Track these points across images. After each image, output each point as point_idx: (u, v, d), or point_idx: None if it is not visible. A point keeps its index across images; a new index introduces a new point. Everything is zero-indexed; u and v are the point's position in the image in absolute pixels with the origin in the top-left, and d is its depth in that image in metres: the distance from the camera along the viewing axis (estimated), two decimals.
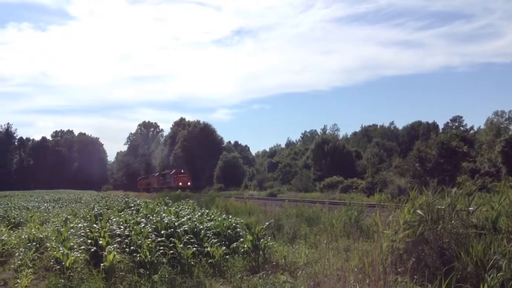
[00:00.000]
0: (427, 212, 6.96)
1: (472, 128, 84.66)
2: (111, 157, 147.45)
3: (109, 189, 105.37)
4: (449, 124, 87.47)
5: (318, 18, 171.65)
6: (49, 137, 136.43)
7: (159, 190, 59.93)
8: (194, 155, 77.84)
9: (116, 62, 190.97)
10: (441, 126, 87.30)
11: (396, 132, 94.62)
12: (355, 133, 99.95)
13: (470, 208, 6.91)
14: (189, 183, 64.48)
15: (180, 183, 62.87)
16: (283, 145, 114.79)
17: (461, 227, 6.66)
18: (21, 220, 18.09)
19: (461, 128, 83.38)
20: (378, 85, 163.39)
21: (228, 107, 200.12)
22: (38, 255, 10.38)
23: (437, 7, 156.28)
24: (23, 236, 12.35)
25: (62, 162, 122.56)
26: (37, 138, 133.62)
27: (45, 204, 30.34)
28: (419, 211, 6.81)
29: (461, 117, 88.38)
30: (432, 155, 39.47)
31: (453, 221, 6.74)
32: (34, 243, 11.03)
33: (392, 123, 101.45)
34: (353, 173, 53.74)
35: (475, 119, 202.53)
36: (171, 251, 9.10)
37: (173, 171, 68.05)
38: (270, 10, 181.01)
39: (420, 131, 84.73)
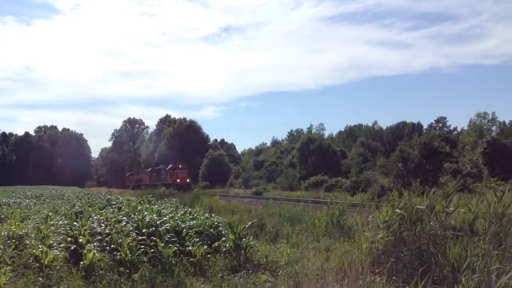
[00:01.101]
0: (406, 213, 7.03)
1: (455, 129, 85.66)
2: (95, 153, 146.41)
3: (93, 185, 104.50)
4: (433, 125, 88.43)
5: (307, 17, 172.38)
6: (32, 133, 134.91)
7: (152, 188, 54.38)
8: (179, 153, 77.09)
9: (101, 57, 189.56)
10: (425, 127, 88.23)
11: (381, 132, 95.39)
12: (340, 133, 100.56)
13: (448, 209, 6.99)
14: (188, 180, 56.89)
15: (178, 180, 55.28)
16: (269, 144, 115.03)
17: (439, 228, 6.74)
18: (1, 216, 17.85)
19: (445, 129, 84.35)
20: (366, 84, 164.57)
21: (215, 105, 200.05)
22: (18, 252, 10.26)
23: (425, 8, 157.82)
24: (2, 233, 12.16)
25: (45, 158, 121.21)
26: (20, 133, 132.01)
27: (27, 201, 30.00)
28: (398, 211, 6.87)
29: (445, 118, 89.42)
30: (415, 155, 39.87)
31: (431, 223, 6.82)
32: (14, 240, 10.90)
33: (375, 122, 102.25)
34: (338, 172, 54.09)
35: (460, 120, 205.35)
36: (152, 250, 9.04)
37: (170, 166, 59.63)
38: (259, 8, 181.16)
39: (404, 131, 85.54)
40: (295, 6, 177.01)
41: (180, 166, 58.13)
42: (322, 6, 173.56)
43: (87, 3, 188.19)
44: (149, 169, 71.18)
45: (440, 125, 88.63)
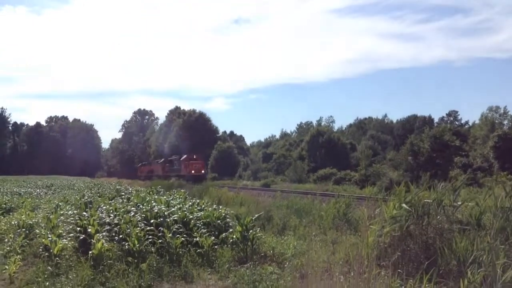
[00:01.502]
0: (413, 206, 7.01)
1: (467, 122, 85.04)
2: (105, 144, 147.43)
3: (103, 176, 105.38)
4: (444, 119, 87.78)
5: (317, 9, 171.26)
6: (43, 123, 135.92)
7: (165, 178, 51.86)
8: (189, 144, 77.35)
9: (111, 48, 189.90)
10: (436, 120, 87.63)
11: (391, 125, 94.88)
12: (350, 126, 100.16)
13: (456, 203, 6.96)
14: (203, 171, 54.16)
15: (193, 171, 52.20)
16: (278, 136, 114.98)
17: (446, 222, 6.72)
18: (12, 206, 18.08)
19: (456, 123, 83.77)
20: (376, 77, 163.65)
21: (225, 96, 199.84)
22: (28, 241, 10.39)
23: (436, 1, 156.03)
24: (13, 222, 12.36)
25: (56, 148, 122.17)
26: (31, 123, 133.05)
27: (37, 190, 30.31)
28: (404, 206, 6.86)
29: (457, 112, 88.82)
30: (425, 149, 39.67)
31: (438, 216, 6.80)
32: (24, 230, 11.04)
33: (385, 115, 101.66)
34: (347, 165, 54.03)
35: (471, 114, 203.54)
36: (160, 240, 9.13)
37: (184, 156, 56.85)
38: (269, 0, 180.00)
39: (415, 125, 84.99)
40: None
41: (194, 157, 55.59)
42: None
43: None
44: (162, 160, 68.71)
45: (452, 118, 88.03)
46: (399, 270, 6.29)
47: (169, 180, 44.90)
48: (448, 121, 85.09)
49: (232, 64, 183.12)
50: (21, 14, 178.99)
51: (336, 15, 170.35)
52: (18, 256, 9.21)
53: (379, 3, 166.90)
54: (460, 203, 6.83)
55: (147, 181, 54.64)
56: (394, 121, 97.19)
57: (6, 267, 8.41)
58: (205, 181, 46.36)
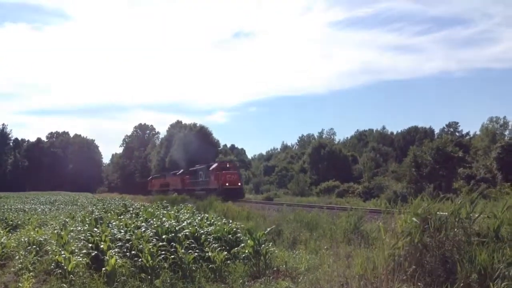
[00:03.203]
0: (428, 219, 7.00)
1: (468, 134, 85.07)
2: (106, 159, 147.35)
3: (104, 191, 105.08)
4: (445, 130, 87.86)
5: (316, 22, 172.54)
6: (44, 139, 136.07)
7: (187, 194, 42.98)
8: (190, 158, 77.22)
9: (113, 63, 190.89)
10: (437, 132, 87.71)
11: (392, 137, 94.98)
12: (350, 138, 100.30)
13: (473, 215, 6.95)
14: (239, 184, 42.10)
15: (227, 184, 39.99)
16: (279, 149, 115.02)
17: (464, 235, 6.71)
18: (19, 222, 18.02)
19: (457, 134, 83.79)
20: (376, 89, 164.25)
21: (225, 110, 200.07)
22: (38, 258, 10.35)
23: (436, 12, 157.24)
24: (22, 239, 12.31)
25: (57, 163, 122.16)
26: (32, 139, 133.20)
27: (42, 206, 30.25)
28: (414, 219, 6.87)
29: (457, 123, 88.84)
30: (428, 160, 39.68)
31: (455, 229, 6.79)
32: (34, 246, 11.00)
33: (383, 127, 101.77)
34: (349, 178, 53.99)
35: (471, 125, 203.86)
36: (172, 256, 9.09)
37: (214, 165, 45.09)
38: (269, 13, 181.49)
39: (416, 136, 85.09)
40: (305, 11, 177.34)
41: (228, 165, 44.58)
42: (332, 11, 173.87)
43: (98, 9, 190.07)
44: (180, 171, 58.48)
45: (452, 129, 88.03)
46: (418, 284, 6.28)
47: (195, 195, 38.74)
48: (449, 132, 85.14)
49: (232, 77, 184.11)
50: (22, 30, 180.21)
51: (335, 28, 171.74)
52: (30, 273, 9.18)
53: (378, 16, 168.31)
54: (477, 215, 6.82)
55: (151, 196, 52.08)
56: (395, 132, 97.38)
57: (20, 284, 8.37)
58: (241, 198, 38.79)
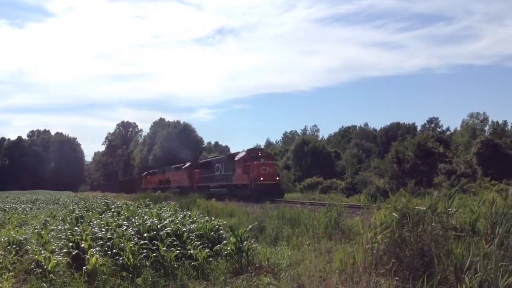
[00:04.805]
0: (407, 214, 7.12)
1: (448, 129, 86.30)
2: (88, 157, 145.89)
3: (86, 190, 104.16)
4: (426, 126, 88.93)
5: (300, 18, 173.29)
6: (25, 137, 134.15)
7: (199, 191, 36.81)
8: (173, 156, 76.75)
9: (94, 60, 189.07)
10: (419, 128, 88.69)
11: (375, 133, 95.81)
12: (334, 134, 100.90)
13: (451, 210, 7.09)
14: (277, 178, 33.16)
15: (262, 178, 30.96)
16: (263, 146, 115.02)
17: (441, 229, 6.84)
18: None
19: (437, 130, 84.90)
20: (359, 86, 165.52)
21: (209, 107, 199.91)
22: (18, 258, 10.22)
23: (418, 9, 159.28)
24: (2, 239, 12.13)
25: (38, 162, 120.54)
26: (13, 137, 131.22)
27: (22, 206, 29.85)
28: (394, 214, 6.98)
29: (437, 118, 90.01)
30: (410, 156, 40.14)
31: (433, 224, 6.91)
32: (14, 246, 10.86)
33: (366, 124, 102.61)
34: (332, 174, 54.34)
35: (452, 121, 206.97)
36: (154, 254, 9.07)
37: (241, 154, 34.84)
38: (253, 10, 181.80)
39: (398, 132, 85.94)
40: (289, 8, 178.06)
41: (260, 154, 33.70)
42: (315, 8, 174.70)
43: (80, 6, 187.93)
44: (187, 164, 47.69)
45: (433, 125, 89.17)
46: (396, 278, 6.38)
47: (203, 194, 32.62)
48: (430, 128, 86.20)
49: (215, 74, 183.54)
50: (1, 26, 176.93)
51: (319, 24, 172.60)
52: (10, 273, 9.07)
53: (362, 13, 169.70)
54: (454, 209, 6.95)
55: (133, 195, 49.01)
56: (378, 128, 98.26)
57: (0, 284, 8.28)
58: (281, 197, 30.54)
